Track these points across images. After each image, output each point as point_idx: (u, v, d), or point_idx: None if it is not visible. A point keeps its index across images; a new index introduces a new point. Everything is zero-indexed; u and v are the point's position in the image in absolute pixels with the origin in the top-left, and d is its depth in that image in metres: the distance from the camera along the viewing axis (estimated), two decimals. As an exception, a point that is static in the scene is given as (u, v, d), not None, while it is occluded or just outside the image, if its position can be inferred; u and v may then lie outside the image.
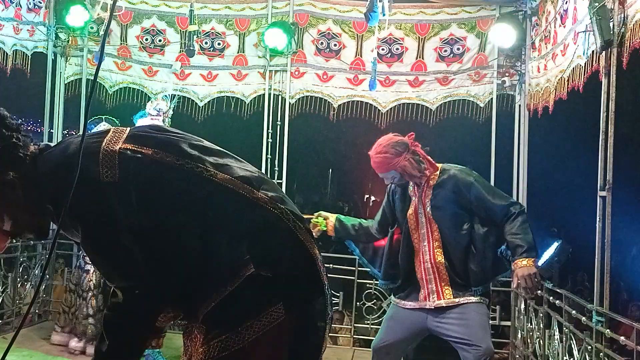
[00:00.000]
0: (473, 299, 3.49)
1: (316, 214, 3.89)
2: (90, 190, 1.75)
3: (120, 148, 1.78)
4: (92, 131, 4.41)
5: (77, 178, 1.67)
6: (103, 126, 4.52)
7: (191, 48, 5.59)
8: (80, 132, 4.52)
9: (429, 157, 3.54)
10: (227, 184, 1.81)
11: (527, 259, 3.31)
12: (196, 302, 1.79)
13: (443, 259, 3.50)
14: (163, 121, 4.73)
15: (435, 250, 3.52)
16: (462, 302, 3.48)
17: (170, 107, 4.83)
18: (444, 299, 3.50)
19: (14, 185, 1.78)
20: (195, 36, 5.59)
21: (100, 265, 1.90)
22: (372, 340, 5.85)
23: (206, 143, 1.93)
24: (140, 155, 1.78)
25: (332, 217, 3.84)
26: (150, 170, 1.79)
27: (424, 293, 3.55)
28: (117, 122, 4.68)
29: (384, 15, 5.11)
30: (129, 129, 1.88)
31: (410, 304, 3.61)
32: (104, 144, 1.78)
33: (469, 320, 3.46)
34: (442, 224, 3.50)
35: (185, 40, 5.95)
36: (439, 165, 3.57)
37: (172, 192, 1.79)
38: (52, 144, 1.95)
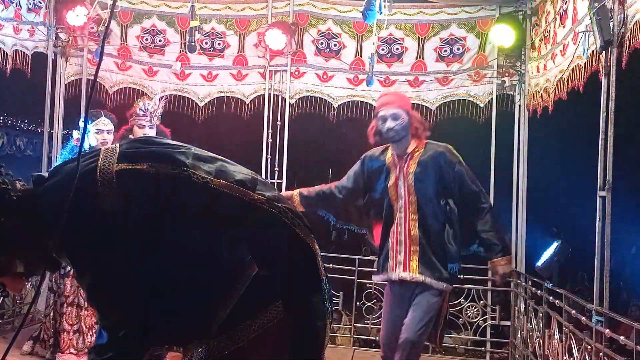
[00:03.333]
0: (435, 283, 3.51)
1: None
2: (90, 221, 1.73)
3: (116, 170, 1.76)
4: (93, 125, 4.38)
5: (73, 206, 1.65)
6: (103, 124, 4.45)
7: (192, 44, 5.60)
8: (80, 132, 4.55)
9: None
10: (223, 188, 1.81)
11: (504, 258, 3.60)
12: (211, 314, 1.79)
13: (418, 232, 3.53)
14: (150, 121, 4.65)
15: (410, 223, 3.55)
16: (426, 281, 3.50)
17: (159, 107, 4.71)
18: (409, 272, 3.53)
19: (14, 229, 1.77)
20: (196, 31, 5.58)
21: (93, 299, 1.87)
22: (372, 340, 5.89)
23: (197, 150, 1.91)
24: (136, 173, 1.77)
25: (295, 193, 3.86)
26: (148, 186, 1.78)
27: (391, 264, 3.58)
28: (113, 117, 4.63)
29: (381, 13, 5.11)
30: (118, 146, 1.87)
31: (380, 277, 3.69)
32: (99, 170, 1.76)
33: (419, 304, 3.50)
34: (422, 197, 3.54)
35: (185, 39, 5.96)
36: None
37: (171, 203, 1.78)
38: (45, 174, 1.90)
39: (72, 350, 4.39)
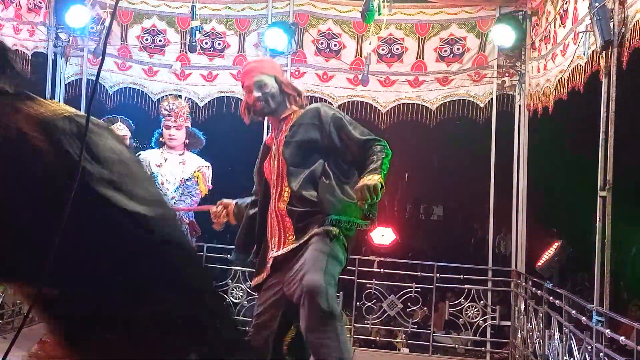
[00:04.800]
0: (316, 230, 2.87)
1: (218, 202, 3.30)
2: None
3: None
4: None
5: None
6: (117, 129, 4.42)
7: (193, 44, 5.59)
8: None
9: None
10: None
11: (372, 174, 2.84)
12: None
13: (285, 205, 2.95)
14: (175, 121, 4.57)
15: (284, 196, 2.98)
16: (303, 240, 2.88)
17: (184, 106, 4.65)
18: (284, 246, 2.93)
19: None
20: (197, 31, 5.57)
21: None
22: (372, 340, 5.90)
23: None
24: None
25: (232, 203, 3.26)
26: None
27: (270, 250, 3.01)
28: (132, 122, 4.60)
29: (379, 14, 5.13)
30: None
31: (260, 277, 3.03)
32: None
33: (306, 251, 2.84)
34: (289, 160, 2.98)
35: (185, 39, 5.96)
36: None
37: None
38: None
39: None
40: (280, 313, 2.96)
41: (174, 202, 4.48)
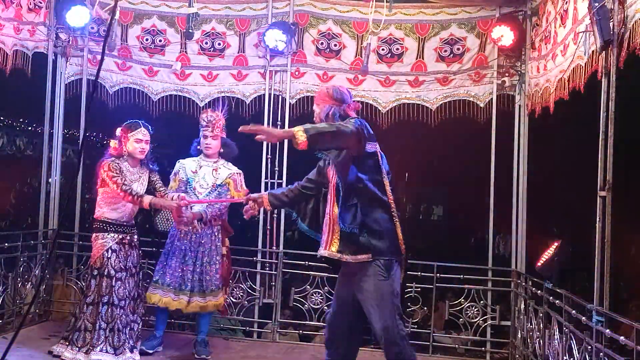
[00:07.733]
0: (353, 257, 3.49)
1: (246, 197, 4.03)
2: None
3: None
4: (132, 134, 4.56)
5: None
6: (142, 134, 4.56)
7: (190, 31, 5.59)
8: (116, 142, 4.56)
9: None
10: None
11: None
12: None
13: (337, 211, 3.54)
14: (212, 131, 4.86)
15: (333, 203, 3.59)
16: (343, 258, 3.51)
17: (220, 118, 4.91)
18: (327, 249, 3.55)
19: None
20: (193, 19, 5.56)
21: None
22: (372, 339, 5.88)
23: None
24: None
25: (264, 194, 3.99)
26: None
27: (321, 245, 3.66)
28: (151, 128, 4.69)
29: None
30: None
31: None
32: None
33: (366, 284, 3.50)
34: (340, 177, 3.56)
35: (185, 39, 5.96)
36: None
37: None
38: None
39: (107, 347, 4.36)
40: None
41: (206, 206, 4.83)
